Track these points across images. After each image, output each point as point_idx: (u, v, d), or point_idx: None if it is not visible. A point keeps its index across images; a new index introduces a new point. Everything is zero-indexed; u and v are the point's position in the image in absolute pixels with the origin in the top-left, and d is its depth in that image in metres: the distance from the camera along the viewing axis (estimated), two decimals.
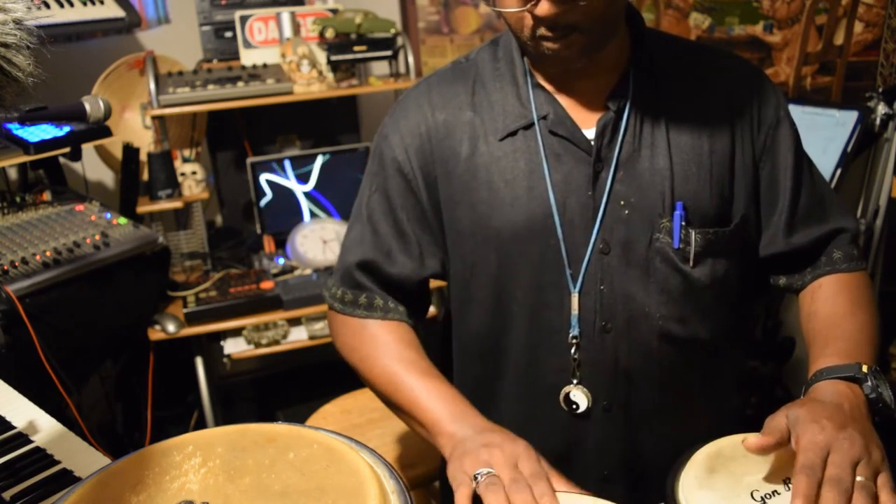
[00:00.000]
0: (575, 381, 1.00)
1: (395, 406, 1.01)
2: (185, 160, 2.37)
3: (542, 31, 0.87)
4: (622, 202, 0.96)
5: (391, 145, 1.05)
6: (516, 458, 0.83)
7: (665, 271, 0.97)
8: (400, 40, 2.47)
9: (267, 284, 2.21)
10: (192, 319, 2.09)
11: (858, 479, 0.73)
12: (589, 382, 1.00)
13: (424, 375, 0.99)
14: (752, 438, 0.78)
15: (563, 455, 1.01)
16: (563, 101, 0.99)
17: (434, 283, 1.20)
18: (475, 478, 0.80)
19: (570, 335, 0.99)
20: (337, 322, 1.12)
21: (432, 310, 2.16)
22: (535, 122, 0.98)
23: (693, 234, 0.96)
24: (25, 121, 1.78)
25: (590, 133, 0.97)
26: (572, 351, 0.99)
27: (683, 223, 0.96)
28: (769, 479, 0.78)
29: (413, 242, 1.05)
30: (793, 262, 1.05)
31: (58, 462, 0.96)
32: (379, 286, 1.07)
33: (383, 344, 1.04)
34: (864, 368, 0.86)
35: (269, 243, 2.49)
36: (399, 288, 1.07)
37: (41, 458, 0.97)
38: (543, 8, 0.83)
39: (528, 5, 0.84)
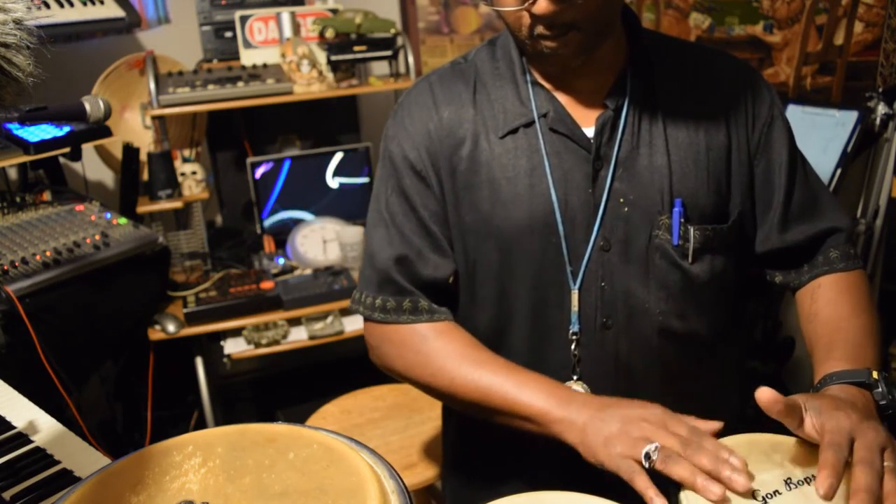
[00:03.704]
0: (575, 377, 1.00)
1: (488, 410, 0.96)
2: (185, 160, 2.37)
3: (540, 29, 0.88)
4: (622, 199, 0.97)
5: (401, 145, 1.04)
6: (664, 422, 0.81)
7: (664, 268, 0.98)
8: (400, 40, 2.47)
9: (267, 284, 2.21)
10: (192, 319, 2.09)
11: (887, 463, 0.73)
12: (589, 378, 1.00)
13: (507, 371, 0.95)
14: (767, 390, 0.75)
15: (563, 451, 1.01)
16: (563, 99, 0.99)
17: None
18: (646, 457, 0.78)
19: (571, 331, 0.99)
20: (377, 335, 1.06)
21: None
22: (536, 119, 0.99)
23: (692, 230, 0.97)
24: (25, 121, 1.78)
25: (589, 131, 0.98)
26: (573, 347, 0.99)
27: (682, 220, 0.96)
28: (770, 478, 0.78)
29: (440, 239, 1.04)
30: (788, 259, 1.06)
31: (58, 462, 0.96)
32: (416, 287, 1.04)
33: (448, 353, 0.99)
34: (875, 374, 0.85)
35: (269, 243, 2.49)
36: (434, 287, 1.05)
37: (41, 458, 0.97)
38: (541, 6, 0.84)
39: (526, 4, 0.85)
